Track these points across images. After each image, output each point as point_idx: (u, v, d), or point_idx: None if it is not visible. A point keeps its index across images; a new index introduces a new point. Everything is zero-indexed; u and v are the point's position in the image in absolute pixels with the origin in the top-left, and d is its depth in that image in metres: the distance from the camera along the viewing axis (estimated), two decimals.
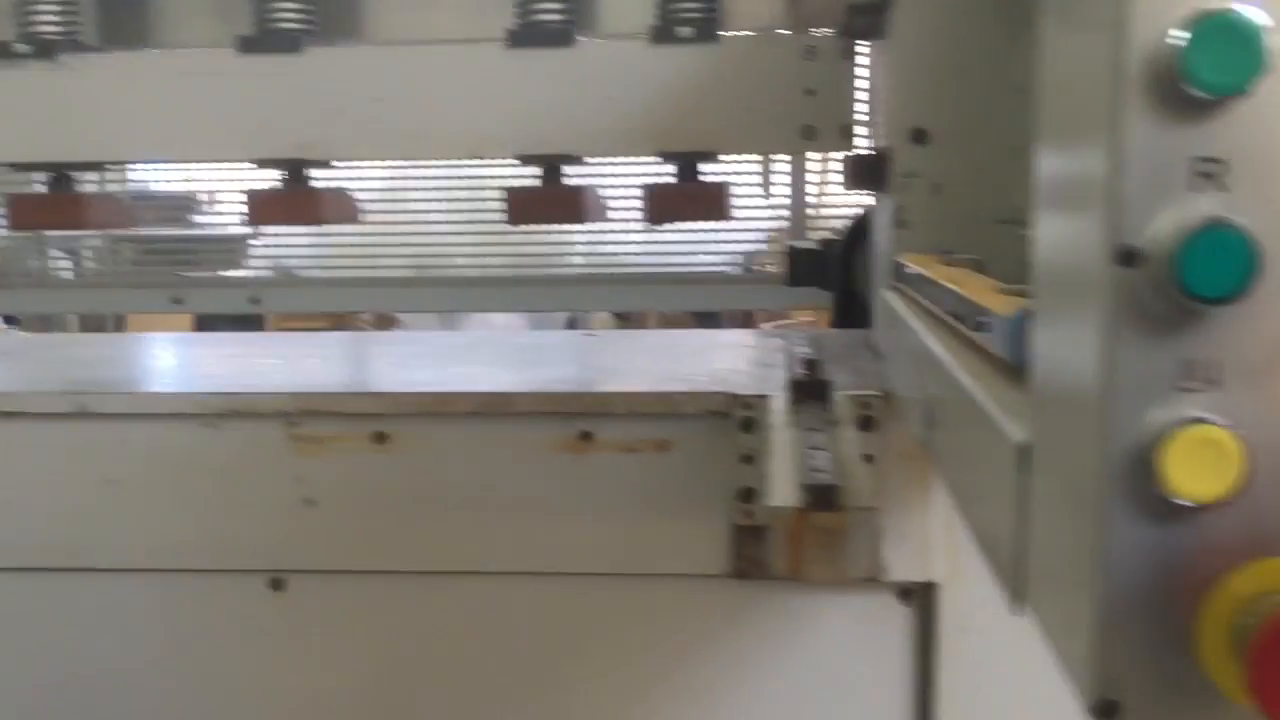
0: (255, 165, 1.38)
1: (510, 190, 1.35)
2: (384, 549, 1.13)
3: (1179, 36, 0.40)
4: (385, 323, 3.72)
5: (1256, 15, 0.40)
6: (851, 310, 1.58)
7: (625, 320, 4.23)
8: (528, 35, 1.32)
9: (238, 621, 1.15)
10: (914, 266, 1.05)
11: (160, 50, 1.43)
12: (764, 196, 3.09)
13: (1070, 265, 0.47)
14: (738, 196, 3.10)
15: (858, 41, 1.34)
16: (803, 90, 1.33)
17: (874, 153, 1.24)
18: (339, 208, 1.40)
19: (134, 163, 2.07)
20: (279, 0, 1.35)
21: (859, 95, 1.38)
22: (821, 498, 0.72)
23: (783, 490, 0.75)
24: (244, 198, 1.41)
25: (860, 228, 1.58)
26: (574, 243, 3.24)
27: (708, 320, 3.90)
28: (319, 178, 1.41)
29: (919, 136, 1.13)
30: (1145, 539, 0.43)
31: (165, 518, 1.14)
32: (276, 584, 1.14)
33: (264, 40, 1.35)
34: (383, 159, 1.58)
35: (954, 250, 1.09)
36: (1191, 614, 0.43)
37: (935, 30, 1.10)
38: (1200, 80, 0.40)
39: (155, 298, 2.15)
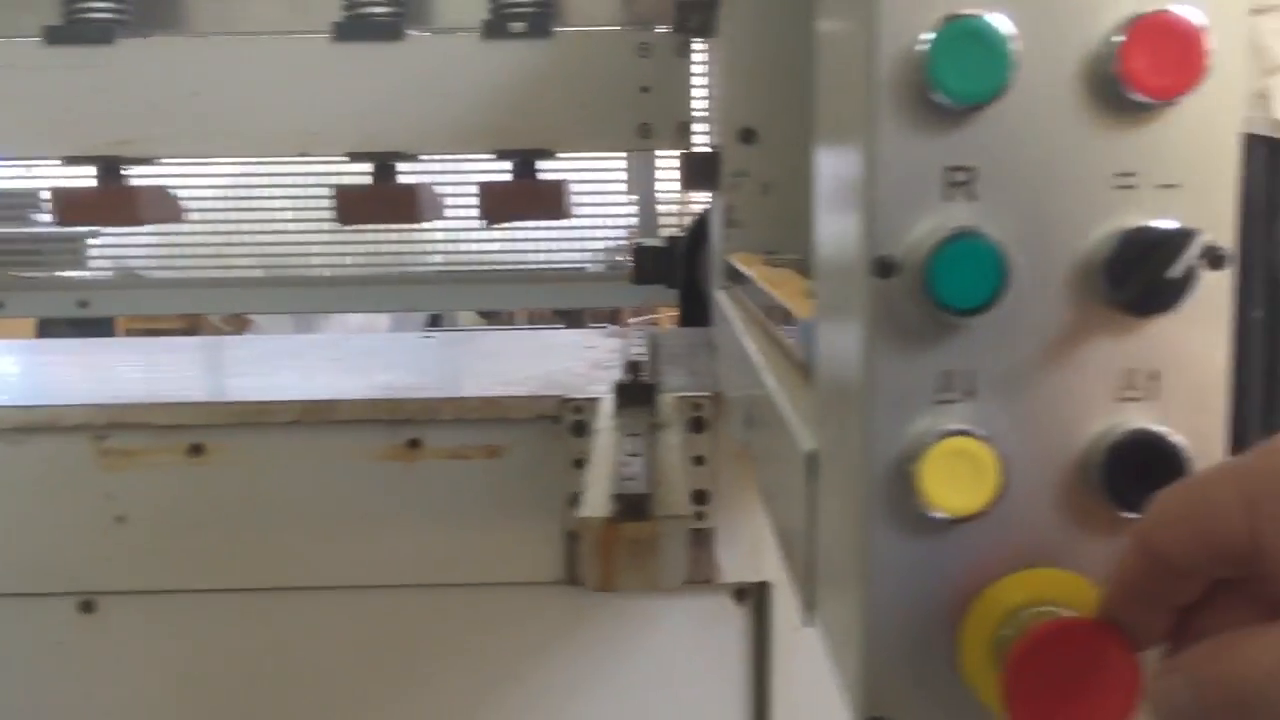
0: (65, 162, 1.31)
1: (340, 189, 1.31)
2: (202, 566, 1.08)
3: (926, 42, 0.39)
4: (239, 325, 3.61)
5: (1000, 22, 0.39)
6: (697, 308, 1.58)
7: (490, 317, 4.18)
8: (354, 28, 1.28)
9: (45, 647, 1.09)
10: (740, 266, 1.04)
11: None
12: (626, 193, 3.08)
13: (839, 272, 0.46)
14: (601, 194, 3.08)
15: (693, 39, 1.33)
16: (638, 88, 1.32)
17: (707, 151, 1.23)
18: (159, 207, 1.33)
19: None
20: None
21: (699, 93, 1.37)
22: (631, 507, 0.70)
23: (594, 500, 0.73)
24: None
25: (704, 225, 1.58)
26: (434, 240, 3.18)
27: (572, 317, 3.87)
28: (145, 175, 1.35)
29: (748, 136, 1.12)
30: (909, 552, 0.43)
31: None
32: (87, 606, 1.08)
33: (73, 31, 1.28)
34: (204, 156, 1.51)
35: (782, 250, 1.09)
36: (956, 628, 0.43)
37: (761, 29, 1.09)
38: (946, 87, 0.39)
39: None
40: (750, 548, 1.07)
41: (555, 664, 1.10)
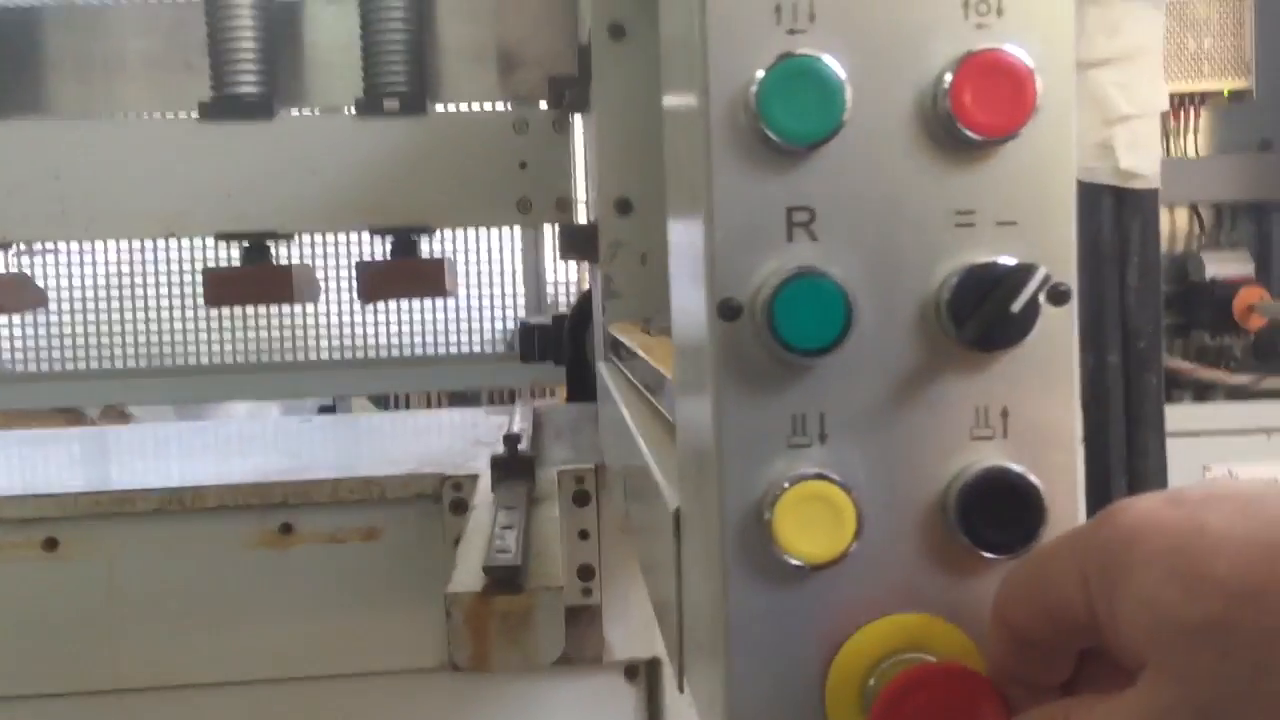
0: None
1: (208, 270, 1.27)
2: (59, 668, 1.01)
3: (758, 81, 0.39)
4: (118, 419, 3.49)
5: (832, 61, 0.39)
6: (584, 383, 1.56)
7: (384, 404, 4.10)
8: (223, 108, 1.25)
9: None
10: (619, 335, 1.04)
11: None
12: (521, 272, 3.06)
13: (690, 322, 0.46)
14: (496, 273, 3.06)
15: (572, 114, 1.34)
16: (516, 163, 1.32)
17: (585, 224, 1.23)
18: (19, 294, 1.28)
19: None
20: None
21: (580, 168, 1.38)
22: (502, 580, 0.68)
23: (464, 575, 0.70)
24: None
25: (589, 301, 1.57)
26: (323, 325, 3.13)
27: (470, 400, 3.82)
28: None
29: (624, 207, 1.12)
30: (769, 603, 0.41)
31: None
32: None
33: None
34: (66, 239, 1.47)
35: (661, 318, 1.09)
36: (822, 680, 0.41)
37: (632, 101, 1.10)
38: (780, 127, 0.39)
39: None
40: (640, 623, 1.05)
41: None
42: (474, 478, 1.02)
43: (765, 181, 0.40)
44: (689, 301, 0.46)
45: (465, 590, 0.68)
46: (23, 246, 1.91)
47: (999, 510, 0.41)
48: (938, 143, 0.40)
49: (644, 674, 1.07)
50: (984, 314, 0.40)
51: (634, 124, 1.10)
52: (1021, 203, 0.41)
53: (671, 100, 0.48)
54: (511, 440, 0.96)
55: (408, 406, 4.09)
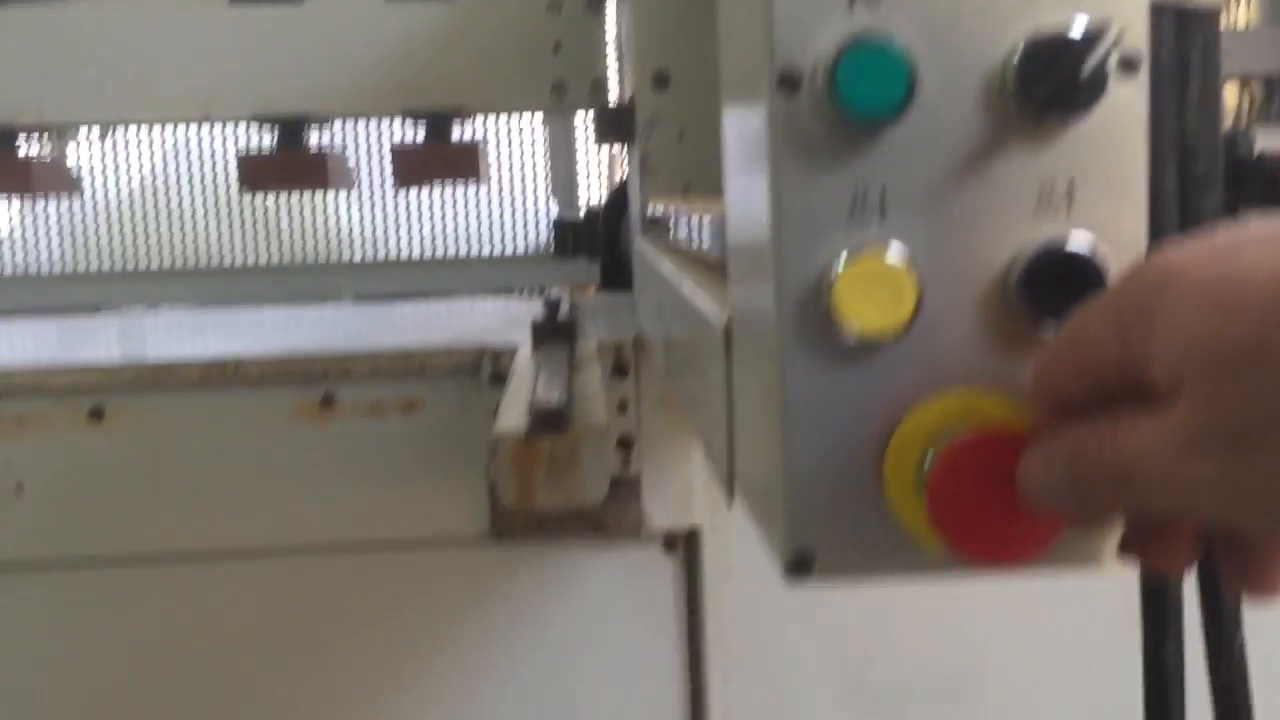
0: None
1: (243, 156, 1.27)
2: (106, 535, 1.03)
3: None
4: None
5: None
6: (619, 273, 1.56)
7: None
8: None
9: None
10: (658, 205, 1.03)
11: None
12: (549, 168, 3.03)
13: (745, 108, 0.45)
14: (534, 168, 3.03)
15: None
16: (550, 46, 1.30)
17: (621, 106, 1.22)
18: (53, 178, 1.28)
19: None
20: None
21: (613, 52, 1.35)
22: (548, 421, 0.68)
23: (509, 415, 0.71)
24: None
25: (624, 192, 1.56)
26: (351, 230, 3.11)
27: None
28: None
29: (661, 80, 1.11)
30: (827, 384, 0.41)
31: None
32: None
33: None
34: (101, 121, 1.46)
35: (698, 189, 1.08)
36: (880, 457, 0.41)
37: None
38: None
39: None
40: (678, 495, 1.05)
41: (482, 622, 1.07)
42: (513, 350, 1.02)
43: None
44: (745, 84, 0.45)
45: (511, 429, 0.68)
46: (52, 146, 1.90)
47: (1062, 286, 0.40)
48: None
49: (682, 546, 1.07)
50: (1054, 76, 0.39)
51: None
52: None
53: None
54: (551, 305, 0.96)
55: None
